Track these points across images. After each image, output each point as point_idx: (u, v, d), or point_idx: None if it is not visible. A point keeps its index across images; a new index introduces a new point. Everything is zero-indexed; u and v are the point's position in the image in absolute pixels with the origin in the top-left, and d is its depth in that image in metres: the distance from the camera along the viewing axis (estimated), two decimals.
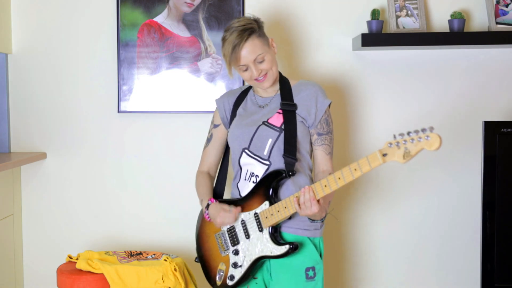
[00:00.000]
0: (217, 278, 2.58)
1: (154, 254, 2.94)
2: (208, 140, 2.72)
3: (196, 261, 2.72)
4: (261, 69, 2.50)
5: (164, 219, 3.24)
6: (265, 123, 2.53)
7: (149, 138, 3.24)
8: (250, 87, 2.70)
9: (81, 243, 3.26)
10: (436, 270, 3.23)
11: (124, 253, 2.96)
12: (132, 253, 2.96)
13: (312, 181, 2.57)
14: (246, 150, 2.54)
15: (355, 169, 2.26)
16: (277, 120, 2.52)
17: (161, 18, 3.14)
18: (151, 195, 3.26)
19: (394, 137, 2.19)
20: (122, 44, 3.16)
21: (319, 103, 2.52)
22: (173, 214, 3.22)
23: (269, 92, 2.62)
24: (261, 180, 2.50)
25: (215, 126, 2.71)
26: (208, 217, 2.56)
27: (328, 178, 2.32)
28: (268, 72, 2.52)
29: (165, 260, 2.79)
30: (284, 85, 2.59)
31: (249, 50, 2.47)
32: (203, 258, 2.66)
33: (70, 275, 2.75)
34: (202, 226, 2.66)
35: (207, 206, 2.56)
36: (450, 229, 3.22)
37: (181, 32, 3.15)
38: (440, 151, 3.14)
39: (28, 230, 3.29)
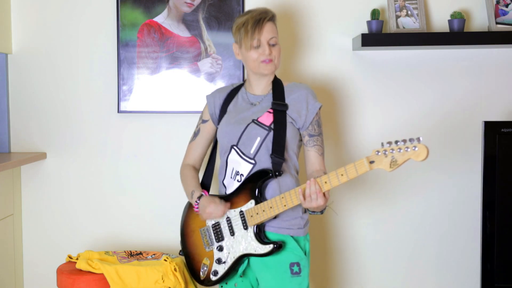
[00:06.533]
0: (201, 273, 2.63)
1: (154, 254, 2.94)
2: (195, 134, 2.74)
3: (180, 254, 2.76)
4: (271, 51, 2.54)
5: (164, 219, 3.24)
6: (255, 121, 2.54)
7: (149, 138, 3.24)
8: (242, 85, 2.71)
9: (81, 243, 3.26)
10: (436, 270, 3.23)
11: (124, 253, 2.96)
12: (132, 253, 2.96)
13: (298, 182, 2.59)
14: (235, 147, 2.55)
15: (342, 175, 2.32)
16: (267, 119, 2.53)
17: (161, 18, 3.14)
18: (151, 195, 3.26)
19: (382, 145, 2.24)
20: (122, 44, 3.16)
21: (310, 105, 2.55)
22: (173, 214, 3.21)
23: (261, 90, 2.63)
24: (247, 178, 2.52)
25: (204, 121, 2.73)
26: (197, 208, 2.57)
27: (322, 177, 2.36)
28: (274, 59, 2.56)
29: (165, 260, 2.79)
30: (277, 85, 2.62)
31: (269, 29, 2.55)
32: (188, 252, 2.69)
33: (70, 275, 2.75)
34: (187, 220, 2.69)
35: (199, 197, 2.58)
36: (450, 229, 3.22)
37: (181, 32, 3.15)
38: (440, 151, 3.17)
39: (28, 230, 3.29)
